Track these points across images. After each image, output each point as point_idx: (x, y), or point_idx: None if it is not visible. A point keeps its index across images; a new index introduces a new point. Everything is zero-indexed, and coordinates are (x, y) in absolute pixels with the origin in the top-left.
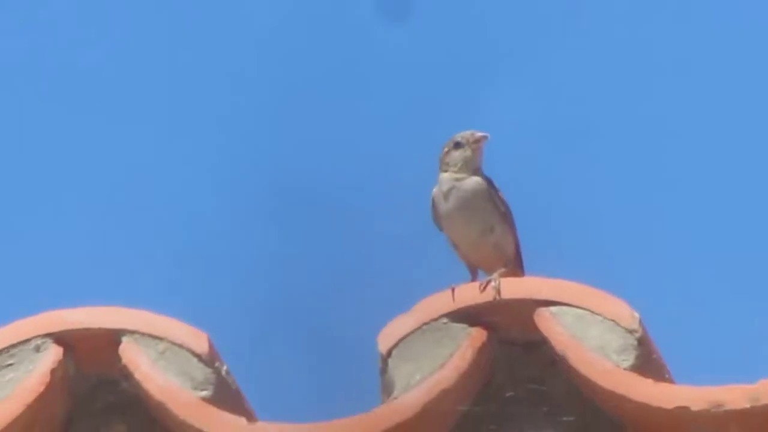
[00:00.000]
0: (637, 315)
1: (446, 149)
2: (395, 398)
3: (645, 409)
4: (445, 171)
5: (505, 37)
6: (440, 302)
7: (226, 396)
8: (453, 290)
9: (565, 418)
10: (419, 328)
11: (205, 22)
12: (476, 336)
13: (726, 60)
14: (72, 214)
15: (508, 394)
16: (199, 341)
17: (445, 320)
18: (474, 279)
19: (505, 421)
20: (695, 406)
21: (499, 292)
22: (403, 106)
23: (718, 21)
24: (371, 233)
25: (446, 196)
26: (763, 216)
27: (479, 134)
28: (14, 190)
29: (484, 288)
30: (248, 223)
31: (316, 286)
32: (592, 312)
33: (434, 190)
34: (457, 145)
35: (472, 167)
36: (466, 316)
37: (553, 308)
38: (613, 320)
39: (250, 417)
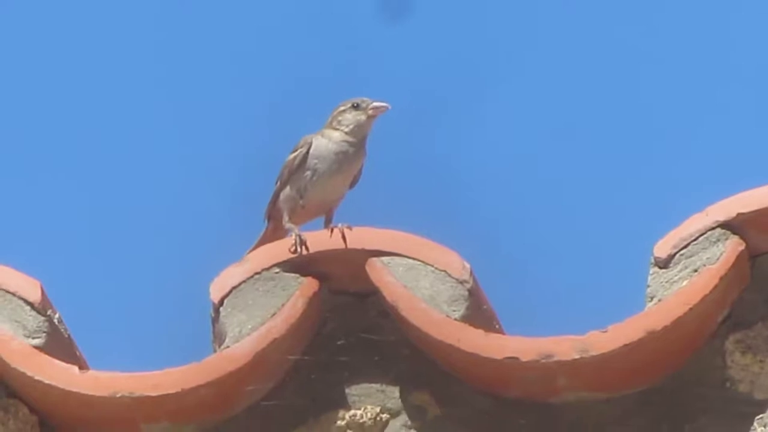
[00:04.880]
0: (468, 266)
1: (342, 108)
2: (227, 347)
3: (475, 359)
4: (335, 129)
5: (505, 35)
6: (273, 252)
7: (58, 344)
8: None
9: (395, 368)
10: (251, 277)
11: (205, 21)
12: (308, 286)
13: (725, 62)
14: None
15: (339, 343)
16: (32, 289)
17: (277, 270)
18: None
19: (336, 369)
20: (525, 357)
21: (344, 237)
22: (402, 104)
23: (715, 22)
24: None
25: (336, 153)
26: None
27: (379, 103)
28: None
29: (332, 233)
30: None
31: (146, 236)
32: (424, 262)
33: (320, 142)
34: (356, 107)
35: (362, 133)
36: (298, 265)
37: (384, 258)
38: (444, 271)
39: (83, 365)
